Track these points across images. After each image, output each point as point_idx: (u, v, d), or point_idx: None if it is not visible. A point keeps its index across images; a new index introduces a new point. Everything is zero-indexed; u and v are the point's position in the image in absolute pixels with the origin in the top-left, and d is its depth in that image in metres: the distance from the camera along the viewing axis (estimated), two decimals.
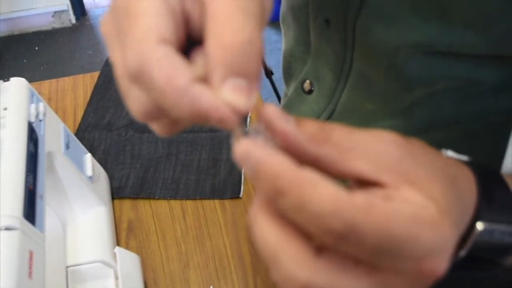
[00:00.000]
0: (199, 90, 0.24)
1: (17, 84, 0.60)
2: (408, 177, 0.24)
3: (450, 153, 0.30)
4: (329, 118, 0.50)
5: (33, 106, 0.59)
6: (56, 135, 0.64)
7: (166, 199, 0.80)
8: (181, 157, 0.87)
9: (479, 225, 0.28)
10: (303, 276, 0.24)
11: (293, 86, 0.55)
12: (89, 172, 0.69)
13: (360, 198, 0.22)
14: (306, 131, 0.24)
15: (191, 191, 0.81)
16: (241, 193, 0.80)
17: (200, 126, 0.92)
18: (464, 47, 0.36)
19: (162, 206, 0.79)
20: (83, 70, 2.60)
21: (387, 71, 0.41)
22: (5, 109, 0.56)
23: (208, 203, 0.80)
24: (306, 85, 0.51)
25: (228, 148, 0.87)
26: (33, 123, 0.57)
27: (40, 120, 0.60)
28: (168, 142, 0.88)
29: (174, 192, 0.81)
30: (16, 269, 0.42)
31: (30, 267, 0.45)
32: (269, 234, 0.24)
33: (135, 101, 0.27)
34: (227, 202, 0.80)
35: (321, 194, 0.22)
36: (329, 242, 0.23)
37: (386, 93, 0.43)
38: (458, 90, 0.40)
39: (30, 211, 0.49)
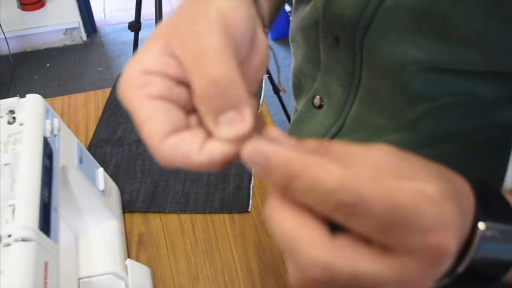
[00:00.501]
0: (175, 145, 0.28)
1: (33, 101, 0.62)
2: (406, 175, 0.25)
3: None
4: (339, 131, 0.51)
5: (48, 121, 0.61)
6: (69, 149, 0.65)
7: (176, 213, 0.82)
8: (190, 172, 0.88)
9: (481, 225, 0.29)
10: (322, 258, 0.25)
11: (303, 101, 0.57)
12: (101, 186, 0.71)
13: (366, 173, 0.24)
14: (307, 147, 0.26)
15: (201, 205, 0.83)
16: (250, 207, 0.81)
17: None
18: (466, 64, 0.38)
19: (172, 220, 0.81)
20: (94, 86, 2.64)
21: (393, 87, 0.43)
22: (21, 124, 0.58)
23: (217, 217, 0.81)
24: (316, 101, 0.53)
25: (237, 163, 0.88)
26: (48, 138, 0.59)
27: (55, 135, 0.62)
28: None
29: (184, 206, 0.82)
30: (32, 280, 0.44)
31: (45, 277, 0.46)
32: (285, 222, 0.26)
33: None
34: (236, 216, 0.81)
35: (329, 172, 0.24)
36: (340, 219, 0.25)
37: (393, 108, 0.45)
38: (459, 105, 0.41)
39: (45, 223, 0.50)
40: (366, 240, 0.25)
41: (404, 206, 0.23)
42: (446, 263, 0.25)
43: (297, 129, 0.57)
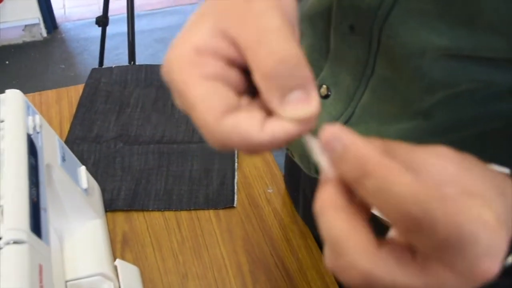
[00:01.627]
0: (234, 124, 0.27)
1: (13, 97, 0.59)
2: (466, 188, 0.25)
3: (493, 167, 0.31)
4: (348, 121, 0.50)
5: (30, 118, 0.58)
6: (52, 147, 0.63)
7: (160, 210, 0.80)
8: (172, 168, 0.86)
9: None
10: (365, 266, 0.25)
11: None
12: (84, 185, 0.68)
13: (435, 190, 0.24)
14: (376, 145, 0.25)
15: (185, 202, 0.81)
16: (235, 203, 0.80)
17: (190, 136, 0.92)
18: (489, 51, 0.38)
19: (156, 218, 0.79)
20: (57, 84, 2.56)
21: (412, 74, 0.42)
22: (2, 121, 0.55)
23: (202, 213, 0.79)
24: (323, 90, 0.52)
25: (220, 158, 0.87)
26: (31, 135, 0.56)
27: (38, 132, 0.59)
28: (158, 153, 0.88)
29: (168, 204, 0.81)
30: (28, 284, 0.42)
31: (41, 281, 0.44)
32: (336, 221, 0.26)
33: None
34: (221, 212, 0.79)
35: (403, 179, 0.24)
36: (400, 227, 0.25)
37: (408, 96, 0.44)
38: (477, 92, 0.41)
39: (36, 224, 0.48)
40: (411, 250, 0.26)
41: (466, 231, 0.24)
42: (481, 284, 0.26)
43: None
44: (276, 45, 0.26)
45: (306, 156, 0.62)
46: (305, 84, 0.27)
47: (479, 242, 0.24)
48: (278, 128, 0.27)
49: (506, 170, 0.31)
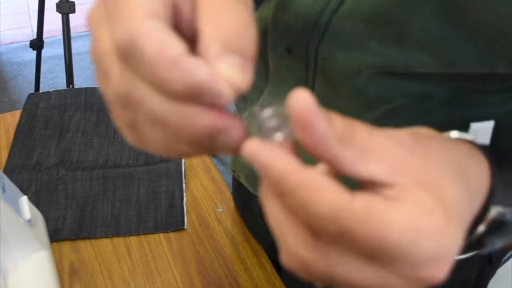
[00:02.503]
0: (193, 61, 0.24)
1: None
2: (420, 178, 0.25)
3: (455, 134, 0.32)
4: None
5: None
6: None
7: (108, 237, 0.77)
8: (119, 192, 0.84)
9: (494, 210, 0.30)
10: (304, 255, 0.25)
11: (248, 112, 0.56)
12: (27, 216, 0.66)
13: (360, 203, 0.24)
14: (335, 130, 0.24)
15: (134, 227, 0.79)
16: (185, 225, 0.79)
17: (135, 159, 0.90)
18: (420, 67, 0.39)
19: (105, 245, 0.76)
20: None
21: (349, 92, 0.43)
22: None
23: (152, 237, 0.78)
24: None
25: (167, 179, 0.86)
26: None
27: None
28: (103, 178, 0.86)
29: (116, 229, 0.78)
30: None
31: None
32: (277, 214, 0.26)
33: (118, 81, 0.26)
34: (172, 235, 0.78)
35: (321, 197, 0.23)
36: (327, 238, 0.25)
37: (348, 113, 0.45)
38: (414, 106, 0.43)
39: None
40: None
41: (393, 244, 0.23)
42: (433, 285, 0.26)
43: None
44: (239, 12, 0.26)
45: (252, 176, 0.62)
46: (250, 57, 0.26)
47: (416, 251, 0.23)
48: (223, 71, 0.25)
49: (468, 136, 0.32)
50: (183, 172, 0.87)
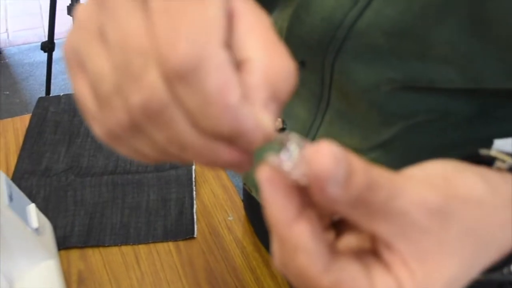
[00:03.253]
0: (247, 111, 0.22)
1: None
2: (422, 255, 0.24)
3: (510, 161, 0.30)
4: None
5: None
6: None
7: (117, 245, 0.76)
8: (128, 199, 0.83)
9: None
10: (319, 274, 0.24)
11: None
12: (34, 224, 0.64)
13: (330, 277, 0.23)
14: (352, 193, 0.22)
15: (143, 235, 0.78)
16: (195, 233, 0.78)
17: (145, 165, 0.89)
18: (443, 82, 0.37)
19: (113, 254, 0.75)
20: (1, 111, 2.47)
21: (367, 108, 0.42)
22: None
23: (162, 246, 0.76)
24: (278, 123, 0.50)
25: (177, 186, 0.84)
26: None
27: None
28: (113, 185, 0.85)
29: (125, 238, 0.77)
30: None
31: None
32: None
33: (154, 90, 0.22)
34: (181, 244, 0.77)
35: (297, 260, 0.23)
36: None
37: (366, 129, 0.43)
38: (435, 122, 0.41)
39: None
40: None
41: None
42: None
43: (258, 154, 0.55)
44: (288, 55, 0.25)
45: None
46: (284, 103, 0.25)
47: None
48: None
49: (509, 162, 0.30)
50: (193, 179, 0.86)
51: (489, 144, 0.38)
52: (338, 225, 0.28)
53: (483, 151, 0.31)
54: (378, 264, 0.25)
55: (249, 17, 0.24)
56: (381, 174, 0.23)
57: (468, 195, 0.26)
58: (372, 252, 0.26)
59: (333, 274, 0.23)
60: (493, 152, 0.30)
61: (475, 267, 0.26)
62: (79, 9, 0.25)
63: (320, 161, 0.21)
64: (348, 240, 0.27)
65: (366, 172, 0.22)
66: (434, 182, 0.25)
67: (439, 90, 0.38)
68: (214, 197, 0.84)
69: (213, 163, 0.24)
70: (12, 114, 1.00)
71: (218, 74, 0.21)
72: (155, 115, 0.23)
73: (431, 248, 0.24)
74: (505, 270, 0.28)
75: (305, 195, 0.24)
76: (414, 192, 0.23)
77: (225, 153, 0.24)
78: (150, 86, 0.22)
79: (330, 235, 0.27)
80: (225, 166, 0.25)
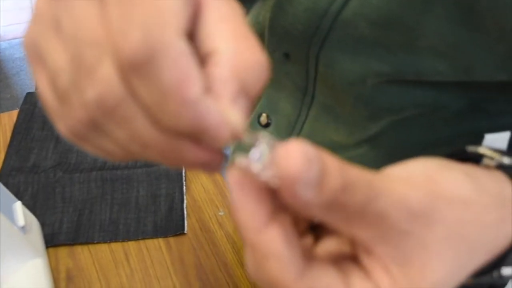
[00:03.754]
0: (209, 105, 0.21)
1: None
2: (404, 259, 0.23)
3: (506, 160, 0.28)
4: None
5: None
6: None
7: (106, 242, 0.75)
8: (117, 195, 0.82)
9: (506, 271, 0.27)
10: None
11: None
12: (20, 222, 0.63)
13: (304, 286, 0.22)
14: (325, 196, 0.20)
15: (132, 232, 0.77)
16: (185, 229, 0.77)
17: (134, 161, 0.87)
18: (432, 75, 0.36)
19: (103, 251, 0.74)
20: None
21: (354, 102, 0.40)
22: None
23: (151, 242, 0.75)
24: (263, 119, 0.49)
25: (167, 182, 0.83)
26: None
27: None
28: (101, 180, 0.83)
29: (114, 234, 0.76)
30: None
31: None
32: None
33: (109, 84, 0.21)
34: (171, 240, 0.76)
35: (269, 267, 0.22)
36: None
37: (352, 123, 0.42)
38: (423, 117, 0.39)
39: None
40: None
41: None
42: None
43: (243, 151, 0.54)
44: (259, 48, 0.23)
45: None
46: (254, 101, 0.23)
47: None
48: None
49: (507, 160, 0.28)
50: (183, 174, 0.84)
51: (479, 139, 0.37)
52: (317, 229, 0.26)
53: (470, 148, 0.29)
54: (357, 270, 0.23)
55: (218, 7, 0.23)
56: (358, 175, 0.21)
57: (453, 194, 0.24)
58: (351, 257, 0.24)
59: (307, 282, 0.22)
60: (481, 149, 0.29)
61: (462, 271, 0.25)
62: (38, 1, 0.24)
63: (290, 162, 0.19)
64: (327, 245, 0.26)
65: (341, 172, 0.20)
66: (417, 181, 0.24)
67: (427, 83, 0.37)
68: (205, 192, 0.83)
69: (179, 163, 0.23)
70: (3, 109, 0.99)
71: (175, 66, 0.20)
72: (111, 111, 0.21)
73: (413, 251, 0.22)
74: (495, 274, 0.27)
75: (278, 198, 0.22)
76: (394, 192, 0.22)
77: (190, 152, 0.22)
78: (104, 79, 0.21)
79: (307, 239, 0.26)
80: (193, 166, 0.23)
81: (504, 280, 0.28)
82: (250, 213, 0.22)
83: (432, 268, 0.23)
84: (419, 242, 0.22)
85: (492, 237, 0.25)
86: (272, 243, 0.21)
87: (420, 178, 0.24)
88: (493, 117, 0.39)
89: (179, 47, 0.20)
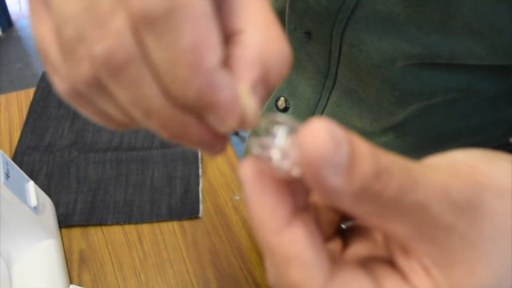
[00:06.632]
0: (226, 80, 0.19)
1: None
2: (447, 260, 0.20)
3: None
4: None
5: None
6: None
7: (120, 224, 0.74)
8: (132, 177, 0.81)
9: None
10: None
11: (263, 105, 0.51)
12: (33, 202, 0.62)
13: None
14: (357, 183, 0.18)
15: (146, 214, 0.75)
16: (200, 213, 0.75)
17: (150, 142, 0.86)
18: (467, 58, 0.33)
19: (116, 232, 0.73)
20: (13, 84, 2.46)
21: (380, 86, 0.38)
22: None
23: (165, 225, 0.74)
24: (281, 103, 0.47)
25: (183, 164, 0.82)
26: None
27: None
28: (116, 161, 0.82)
29: (128, 216, 0.75)
30: None
31: None
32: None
33: (119, 38, 0.19)
34: (186, 223, 0.74)
35: (291, 273, 0.19)
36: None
37: (377, 109, 0.40)
38: (455, 103, 0.37)
39: None
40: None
41: None
42: None
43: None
44: (285, 41, 0.21)
45: None
46: (271, 93, 0.21)
47: None
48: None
49: None
50: (199, 157, 0.83)
51: None
52: (345, 234, 0.24)
53: None
54: (392, 273, 0.21)
55: None
56: (393, 160, 0.19)
57: (502, 186, 0.21)
58: (386, 261, 0.22)
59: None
60: None
61: (510, 273, 0.21)
62: None
63: (315, 142, 0.17)
64: (357, 249, 0.23)
65: (374, 156, 0.18)
66: (460, 171, 0.21)
67: (461, 66, 0.34)
68: (221, 176, 0.81)
69: (180, 138, 0.21)
70: (24, 87, 0.98)
71: (194, 26, 0.18)
72: (119, 69, 0.19)
73: (458, 251, 0.20)
74: None
75: (300, 194, 0.20)
76: (435, 182, 0.19)
77: (194, 129, 0.20)
78: (116, 32, 0.19)
79: (335, 244, 0.23)
80: (193, 144, 0.21)
81: None
82: (269, 211, 0.19)
83: (479, 270, 0.20)
84: (464, 239, 0.20)
85: None
86: (294, 244, 0.19)
87: (464, 168, 0.21)
88: None
89: (203, 7, 0.18)
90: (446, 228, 0.19)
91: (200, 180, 0.80)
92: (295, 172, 0.18)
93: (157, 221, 0.74)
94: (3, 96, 0.95)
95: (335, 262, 0.20)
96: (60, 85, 0.22)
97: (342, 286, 0.20)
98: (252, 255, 0.71)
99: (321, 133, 0.17)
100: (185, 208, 0.76)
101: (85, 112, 0.23)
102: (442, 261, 0.20)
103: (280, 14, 0.42)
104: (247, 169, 0.20)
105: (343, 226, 0.27)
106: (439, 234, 0.19)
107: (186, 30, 0.17)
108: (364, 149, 0.18)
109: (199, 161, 0.82)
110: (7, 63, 2.65)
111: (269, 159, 0.19)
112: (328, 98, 0.43)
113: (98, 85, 0.20)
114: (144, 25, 0.18)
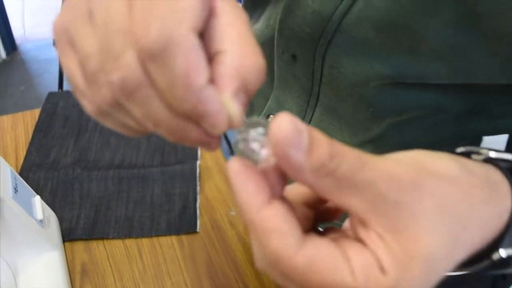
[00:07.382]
0: (212, 94, 0.24)
1: None
2: (396, 227, 0.24)
3: (492, 154, 0.30)
4: None
5: None
6: (3, 179, 0.60)
7: (121, 238, 0.78)
8: (133, 193, 0.84)
9: (502, 253, 0.28)
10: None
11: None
12: (39, 216, 0.66)
13: (303, 256, 0.24)
14: (315, 161, 0.23)
15: (146, 229, 0.79)
16: (198, 227, 0.79)
17: (150, 160, 0.90)
18: (433, 77, 0.37)
19: (117, 246, 0.76)
20: (17, 106, 2.51)
21: (357, 103, 0.42)
22: None
23: (164, 239, 0.77)
24: (269, 118, 0.51)
25: (182, 181, 0.86)
26: None
27: None
28: (118, 178, 0.86)
29: (129, 231, 0.78)
30: None
31: None
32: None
33: (132, 68, 0.24)
34: (184, 238, 0.78)
35: (268, 242, 0.24)
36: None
37: (354, 124, 0.44)
38: (425, 118, 0.41)
39: None
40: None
41: None
42: None
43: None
44: (261, 54, 0.26)
45: None
46: (251, 99, 0.27)
47: None
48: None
49: (507, 155, 0.29)
50: (197, 175, 0.87)
51: (479, 141, 0.38)
52: (321, 234, 0.28)
53: (459, 149, 0.31)
54: (355, 243, 0.25)
55: (228, 14, 0.26)
56: (346, 148, 0.24)
57: (441, 172, 0.26)
58: (351, 238, 0.26)
59: (307, 252, 0.24)
60: (468, 148, 0.31)
61: (457, 247, 0.26)
62: None
63: (280, 127, 0.22)
64: (329, 234, 0.28)
65: (329, 144, 0.23)
66: (405, 161, 0.26)
67: (430, 85, 0.38)
68: (218, 192, 0.85)
69: (183, 140, 0.27)
70: (27, 108, 1.02)
71: (186, 57, 0.23)
72: (132, 93, 0.25)
73: (405, 221, 0.24)
74: (494, 256, 0.28)
75: (277, 185, 0.25)
76: (383, 166, 0.24)
77: (193, 132, 0.26)
78: (127, 65, 0.24)
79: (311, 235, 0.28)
80: (195, 144, 0.27)
81: (506, 263, 0.29)
82: (251, 194, 0.24)
83: (424, 238, 0.24)
84: (409, 212, 0.24)
85: (483, 214, 0.27)
86: (272, 218, 0.24)
87: (409, 160, 0.26)
88: (493, 120, 0.41)
89: (191, 41, 0.23)
90: (393, 202, 0.24)
91: (198, 196, 0.83)
92: (272, 160, 0.24)
93: (157, 236, 0.78)
94: (10, 116, 0.99)
95: (308, 235, 0.25)
96: (88, 106, 0.29)
97: (313, 250, 0.24)
98: (247, 267, 0.74)
99: (285, 121, 0.22)
100: (183, 223, 0.80)
101: (108, 124, 0.30)
102: (393, 229, 0.24)
103: (270, 39, 0.46)
104: (233, 164, 0.25)
105: (320, 229, 0.31)
106: (388, 207, 0.24)
107: (179, 61, 0.23)
108: (322, 137, 0.24)
109: (197, 178, 0.86)
110: (11, 85, 2.70)
111: (252, 151, 0.25)
112: (312, 114, 0.47)
113: (117, 104, 0.26)
114: (148, 58, 0.23)
